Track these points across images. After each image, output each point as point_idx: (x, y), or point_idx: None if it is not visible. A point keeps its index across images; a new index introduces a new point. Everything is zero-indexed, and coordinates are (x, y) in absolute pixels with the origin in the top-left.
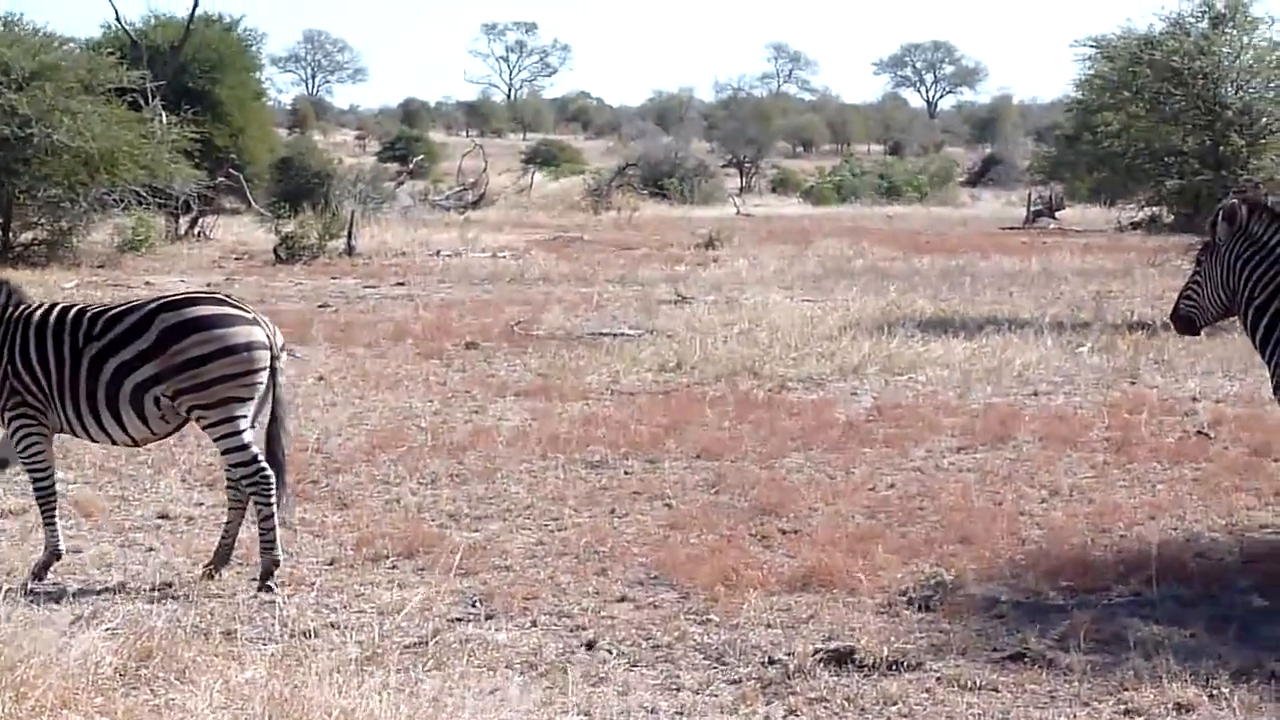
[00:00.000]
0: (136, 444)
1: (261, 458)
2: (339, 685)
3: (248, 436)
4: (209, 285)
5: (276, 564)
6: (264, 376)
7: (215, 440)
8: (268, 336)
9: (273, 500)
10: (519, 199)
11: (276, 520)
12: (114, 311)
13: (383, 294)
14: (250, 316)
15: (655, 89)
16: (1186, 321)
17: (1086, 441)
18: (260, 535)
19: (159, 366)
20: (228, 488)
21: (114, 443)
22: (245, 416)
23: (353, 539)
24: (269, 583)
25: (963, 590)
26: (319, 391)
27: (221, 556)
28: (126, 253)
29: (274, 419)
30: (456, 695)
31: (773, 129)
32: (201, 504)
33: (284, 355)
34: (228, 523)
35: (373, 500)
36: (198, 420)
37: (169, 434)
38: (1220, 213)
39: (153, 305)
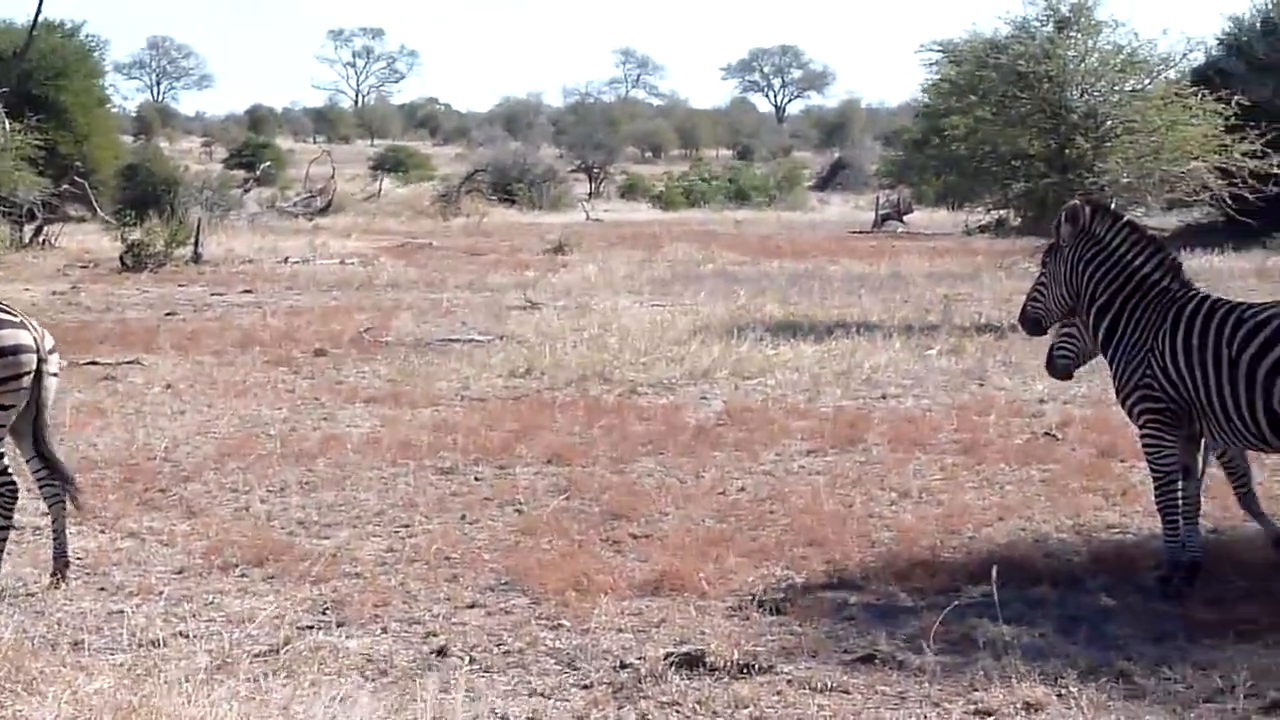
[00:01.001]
0: None
1: (11, 470)
2: (188, 695)
3: (3, 447)
4: (54, 293)
5: None
6: (29, 381)
7: None
8: (35, 340)
9: (10, 517)
10: (367, 205)
11: (6, 539)
12: None
13: (230, 301)
14: (17, 320)
15: (503, 95)
16: (1034, 323)
17: (935, 444)
18: None
19: None
20: (40, 488)
21: None
22: (5, 426)
23: (202, 547)
24: None
25: (813, 593)
26: (166, 400)
27: (61, 562)
28: None
29: (39, 424)
30: (307, 703)
31: (621, 134)
32: (48, 514)
33: (53, 359)
34: (53, 522)
35: (222, 508)
36: None
37: None
38: (1064, 214)
39: None
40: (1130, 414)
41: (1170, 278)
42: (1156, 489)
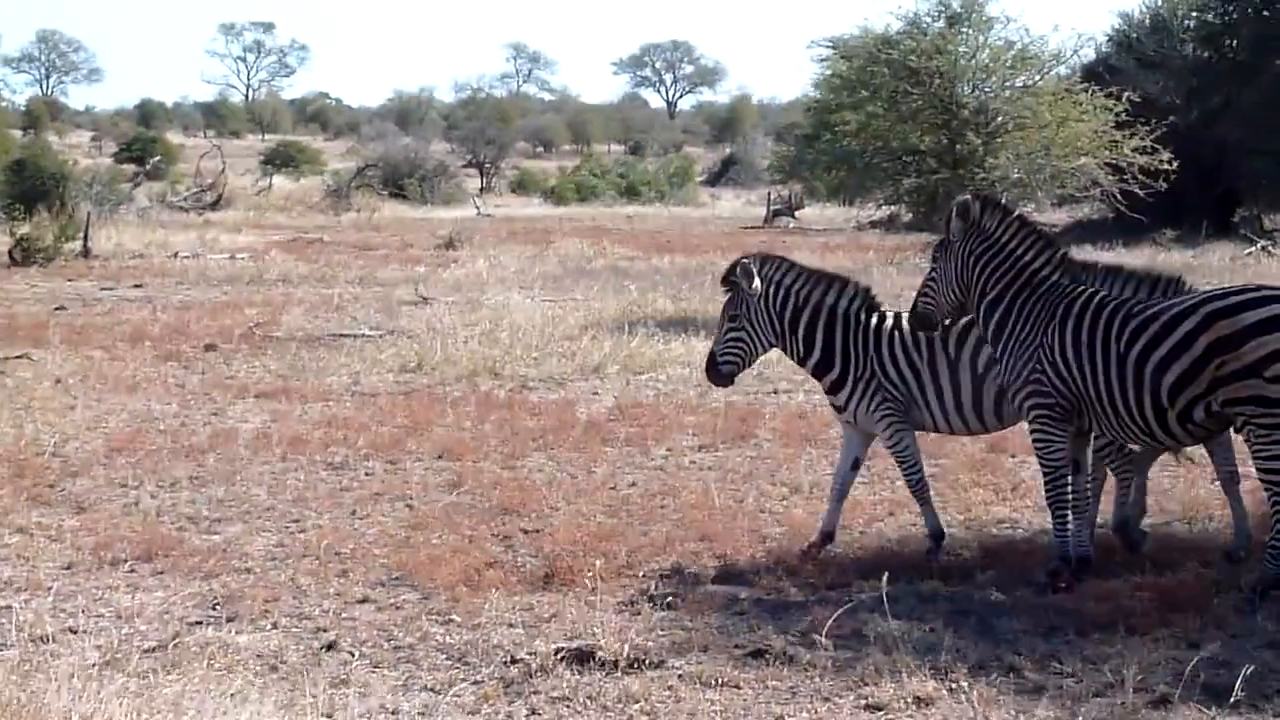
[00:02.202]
0: None
1: None
2: (78, 691)
3: None
4: None
5: None
6: None
7: None
8: None
9: None
10: (258, 200)
11: None
12: None
13: (120, 296)
14: None
15: (395, 89)
16: (924, 319)
17: (826, 439)
18: None
19: None
20: None
21: None
22: None
23: (91, 543)
24: None
25: (704, 588)
26: (55, 395)
27: None
28: None
29: None
30: (197, 699)
31: (513, 129)
32: None
33: None
34: None
35: (111, 504)
36: None
37: None
38: (954, 209)
39: None
40: (1020, 409)
41: (1060, 273)
42: (1046, 484)
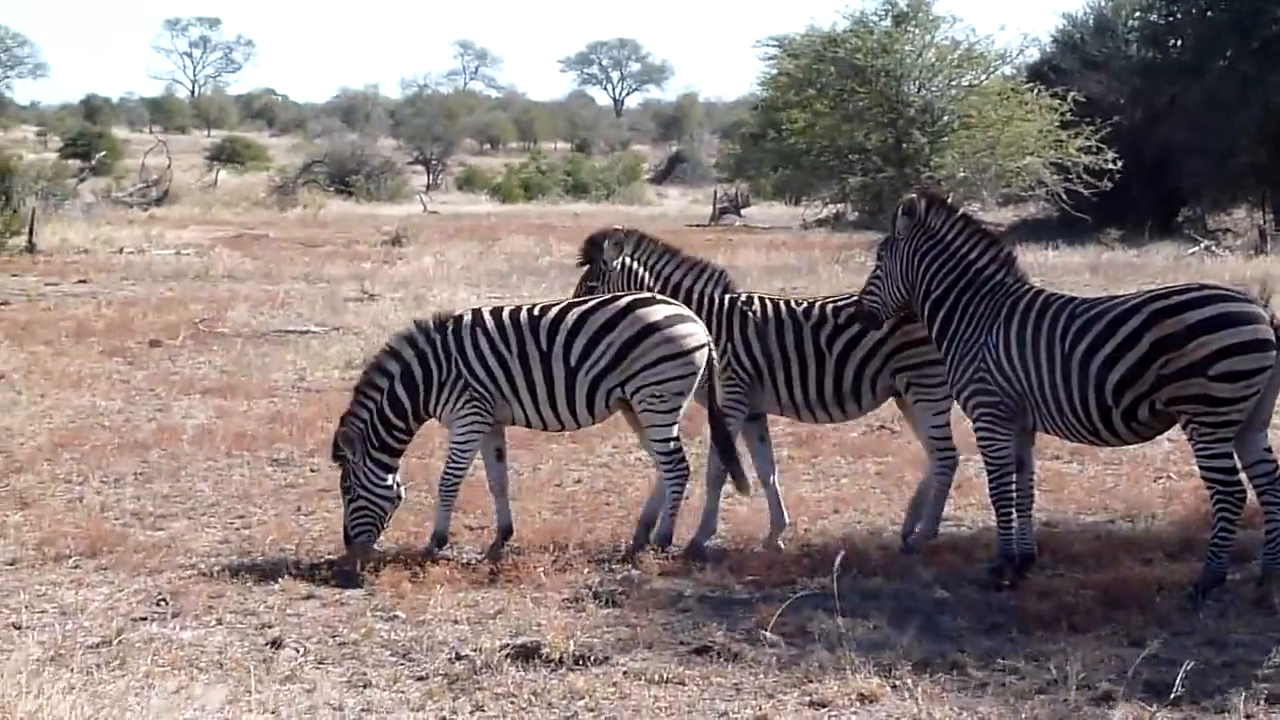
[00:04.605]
0: None
1: None
2: (21, 686)
3: None
4: None
5: None
6: None
7: None
8: None
9: None
10: (203, 196)
11: None
12: None
13: (65, 291)
14: None
15: (341, 86)
16: (869, 316)
17: (771, 436)
18: None
19: None
20: None
21: None
22: None
23: (34, 539)
24: None
25: (649, 585)
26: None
27: None
28: None
29: None
30: (142, 695)
31: (459, 126)
32: None
33: None
34: None
35: (55, 499)
36: None
37: None
38: (900, 208)
39: None
40: (965, 408)
41: (1005, 272)
42: (991, 482)
